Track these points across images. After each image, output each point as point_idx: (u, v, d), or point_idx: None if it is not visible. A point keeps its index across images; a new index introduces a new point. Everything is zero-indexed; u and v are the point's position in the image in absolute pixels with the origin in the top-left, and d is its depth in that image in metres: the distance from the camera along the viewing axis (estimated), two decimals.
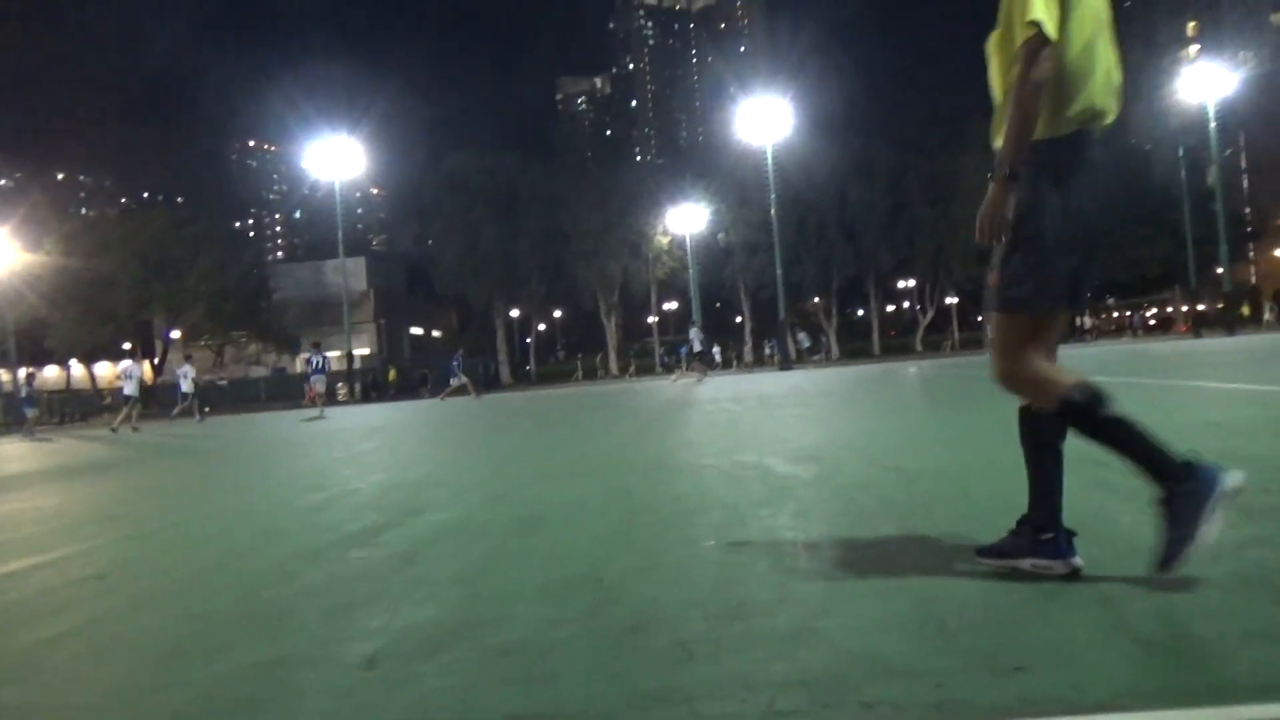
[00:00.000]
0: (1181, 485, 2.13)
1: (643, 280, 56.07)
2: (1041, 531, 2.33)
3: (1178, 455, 2.17)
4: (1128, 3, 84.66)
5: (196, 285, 46.66)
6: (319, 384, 22.25)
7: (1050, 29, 2.12)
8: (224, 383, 47.01)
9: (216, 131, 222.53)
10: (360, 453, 8.89)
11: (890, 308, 75.83)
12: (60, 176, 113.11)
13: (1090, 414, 2.22)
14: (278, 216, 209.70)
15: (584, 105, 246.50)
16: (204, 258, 47.58)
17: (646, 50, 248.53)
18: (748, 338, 57.03)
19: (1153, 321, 62.72)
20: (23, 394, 25.51)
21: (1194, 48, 78.73)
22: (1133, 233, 48.45)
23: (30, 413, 24.45)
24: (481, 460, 7.30)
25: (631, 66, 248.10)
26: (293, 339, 50.72)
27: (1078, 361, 19.20)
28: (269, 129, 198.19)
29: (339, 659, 2.13)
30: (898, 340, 63.82)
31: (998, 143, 2.22)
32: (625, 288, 56.00)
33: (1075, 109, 2.20)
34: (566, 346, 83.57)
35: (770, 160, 39.17)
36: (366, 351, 52.86)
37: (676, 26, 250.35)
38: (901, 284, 65.26)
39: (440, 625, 2.34)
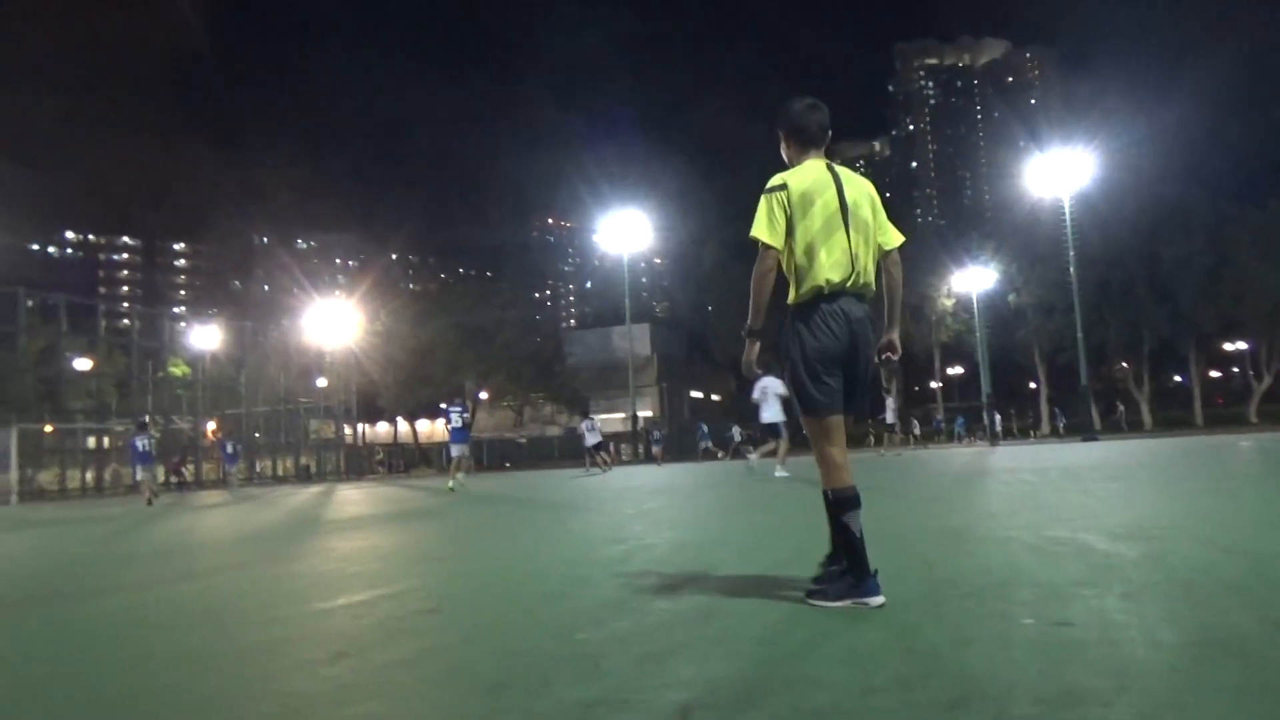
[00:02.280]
0: (854, 579, 3.17)
1: (925, 344, 53.93)
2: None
3: (868, 564, 3.16)
4: None
5: (501, 351, 51.28)
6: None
7: (769, 240, 3.23)
8: (523, 441, 50.78)
9: (520, 210, 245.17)
10: (649, 510, 9.22)
11: (1215, 374, 66.97)
12: (394, 256, 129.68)
13: (831, 508, 3.24)
14: (571, 287, 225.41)
15: (862, 168, 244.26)
16: (508, 326, 52.29)
17: (927, 110, 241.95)
18: (1044, 405, 52.80)
19: None
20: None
21: None
22: None
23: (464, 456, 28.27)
24: (767, 522, 7.31)
25: (912, 127, 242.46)
26: (584, 401, 53.95)
27: None
28: (565, 206, 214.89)
29: (654, 705, 2.20)
30: (1227, 410, 55.94)
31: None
32: (907, 352, 54.17)
33: (807, 285, 3.23)
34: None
35: (1069, 215, 36.45)
36: (649, 414, 54.97)
37: (959, 84, 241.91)
38: (1229, 347, 57.64)
39: (747, 681, 2.36)
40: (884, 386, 31.66)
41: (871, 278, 3.32)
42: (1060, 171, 36.95)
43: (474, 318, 52.17)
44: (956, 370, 66.15)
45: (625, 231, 42.60)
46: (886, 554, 4.59)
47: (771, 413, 14.55)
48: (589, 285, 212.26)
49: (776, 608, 3.34)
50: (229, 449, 29.73)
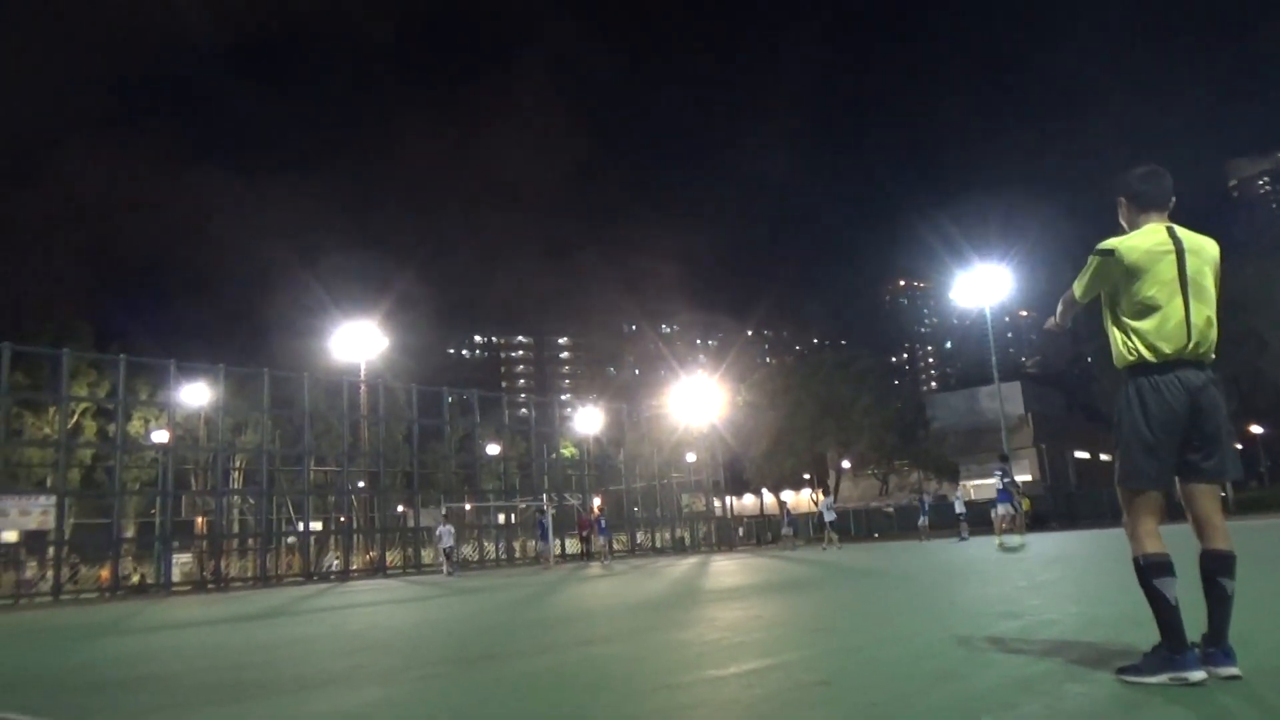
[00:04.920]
0: (1169, 651, 3.12)
1: None
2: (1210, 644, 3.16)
3: (1185, 635, 3.12)
4: None
5: (861, 419, 50.46)
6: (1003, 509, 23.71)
7: (1078, 295, 3.51)
8: (890, 510, 49.15)
9: (872, 276, 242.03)
10: (1044, 582, 8.49)
11: None
12: (750, 333, 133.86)
13: (1141, 575, 3.24)
14: (929, 348, 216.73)
15: (1266, 186, 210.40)
16: (866, 393, 51.42)
17: None
18: None
19: None
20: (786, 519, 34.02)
21: None
22: None
23: (786, 531, 32.84)
24: (1195, 599, 6.38)
25: None
26: (952, 467, 51.17)
27: None
28: (918, 266, 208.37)
29: None
30: None
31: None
32: None
33: (1136, 354, 3.23)
34: (1271, 469, 69.27)
35: None
36: (1029, 478, 50.67)
37: None
38: None
39: None
40: None
41: (1212, 345, 3.26)
42: None
43: (831, 387, 51.97)
44: None
45: (985, 286, 40.30)
46: None
47: None
48: (948, 345, 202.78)
49: (1221, 700, 2.92)
50: (602, 523, 32.15)
